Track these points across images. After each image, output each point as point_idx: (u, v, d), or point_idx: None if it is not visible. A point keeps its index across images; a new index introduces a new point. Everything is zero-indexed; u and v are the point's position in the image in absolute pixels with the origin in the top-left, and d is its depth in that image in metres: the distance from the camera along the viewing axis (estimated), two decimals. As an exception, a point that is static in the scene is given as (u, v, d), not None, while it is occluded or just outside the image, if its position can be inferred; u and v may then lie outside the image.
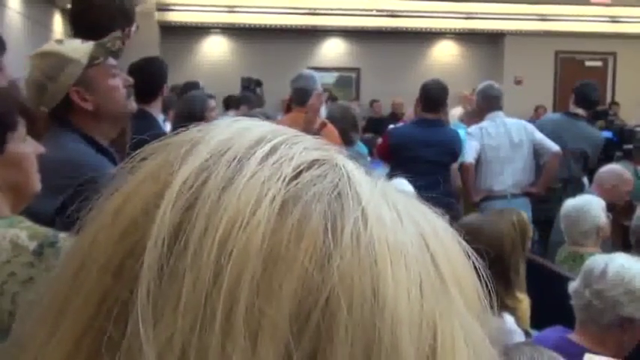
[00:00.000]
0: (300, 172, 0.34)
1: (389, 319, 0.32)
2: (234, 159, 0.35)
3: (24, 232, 1.29)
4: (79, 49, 1.87)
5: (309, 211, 0.33)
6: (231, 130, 0.37)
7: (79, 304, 0.34)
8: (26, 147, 1.41)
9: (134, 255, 0.33)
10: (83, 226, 0.38)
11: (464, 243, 0.38)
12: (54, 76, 1.84)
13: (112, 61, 1.93)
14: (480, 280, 0.38)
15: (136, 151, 0.39)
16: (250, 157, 0.35)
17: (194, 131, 0.38)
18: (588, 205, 3.35)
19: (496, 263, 2.22)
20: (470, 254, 0.38)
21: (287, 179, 0.34)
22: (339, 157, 0.37)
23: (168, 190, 0.34)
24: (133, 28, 2.36)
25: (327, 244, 0.32)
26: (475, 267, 0.38)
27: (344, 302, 0.31)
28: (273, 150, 0.35)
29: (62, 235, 1.29)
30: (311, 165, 0.35)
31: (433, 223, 0.37)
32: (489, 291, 0.38)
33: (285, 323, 0.31)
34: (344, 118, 4.16)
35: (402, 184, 3.60)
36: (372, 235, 0.33)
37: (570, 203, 3.40)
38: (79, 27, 2.30)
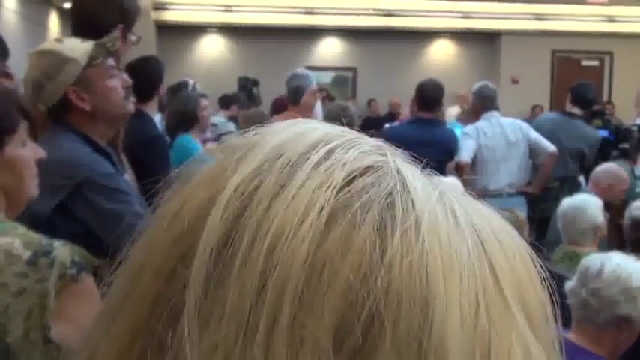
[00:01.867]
0: (353, 179, 0.34)
1: (437, 337, 0.31)
2: (287, 165, 0.34)
3: (18, 239, 1.25)
4: (79, 48, 1.87)
5: (357, 222, 0.32)
6: (287, 133, 0.37)
7: (134, 307, 0.35)
8: (25, 151, 1.38)
9: (185, 260, 0.34)
10: (143, 230, 0.38)
11: (532, 252, 0.36)
12: (52, 74, 1.83)
13: (111, 61, 1.93)
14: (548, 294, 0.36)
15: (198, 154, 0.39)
16: (304, 163, 0.34)
17: (250, 135, 0.38)
18: (586, 205, 3.35)
19: None
20: (536, 264, 0.36)
21: (337, 187, 0.33)
22: (397, 161, 0.36)
23: (220, 197, 0.34)
24: (134, 39, 2.35)
25: (375, 259, 0.31)
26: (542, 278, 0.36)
27: (388, 318, 0.30)
28: (327, 155, 0.34)
29: (57, 243, 1.26)
30: (365, 171, 0.34)
31: (495, 228, 0.35)
32: (554, 304, 0.36)
33: (326, 337, 0.30)
34: (341, 117, 4.16)
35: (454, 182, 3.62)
36: (423, 246, 0.32)
37: (568, 202, 3.40)
38: (79, 25, 2.29)
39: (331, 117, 3.91)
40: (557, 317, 0.36)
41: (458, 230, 0.33)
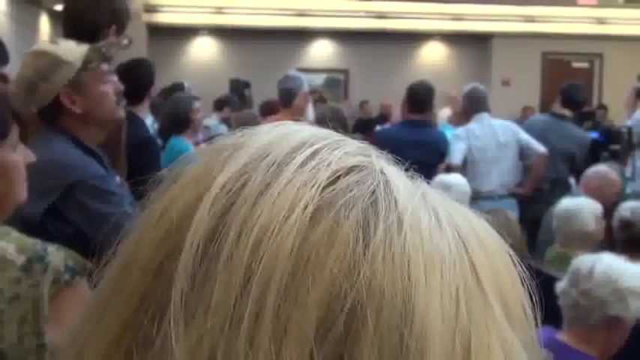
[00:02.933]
0: (338, 178, 0.35)
1: (418, 328, 0.31)
2: (273, 164, 0.35)
3: (12, 244, 1.24)
4: (74, 51, 1.86)
5: (341, 218, 0.33)
6: (273, 134, 0.38)
7: (122, 301, 0.36)
8: (16, 156, 1.35)
9: (173, 256, 0.34)
10: (132, 228, 0.38)
11: (511, 251, 0.37)
12: (46, 75, 1.83)
13: (105, 66, 1.92)
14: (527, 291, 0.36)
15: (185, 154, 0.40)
16: (289, 162, 0.35)
17: (237, 136, 0.39)
18: (580, 210, 3.36)
19: None
20: (516, 263, 0.37)
21: (322, 185, 0.34)
22: (381, 162, 0.37)
23: (206, 194, 0.35)
24: (125, 42, 2.35)
25: (358, 252, 0.32)
26: (521, 277, 0.37)
27: (370, 310, 0.31)
28: (312, 155, 0.35)
29: (51, 248, 1.25)
30: (349, 171, 0.35)
31: (477, 228, 0.36)
32: (534, 302, 0.37)
33: (310, 328, 0.31)
34: (334, 119, 4.18)
35: (458, 178, 3.63)
36: (405, 241, 0.33)
37: (564, 203, 3.41)
38: (71, 25, 2.29)
39: (323, 120, 3.92)
40: (536, 316, 0.37)
41: (439, 228, 0.34)
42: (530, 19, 12.05)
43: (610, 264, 2.02)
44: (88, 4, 2.27)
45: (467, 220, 0.36)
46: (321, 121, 4.00)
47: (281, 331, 0.31)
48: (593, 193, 4.15)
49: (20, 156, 1.37)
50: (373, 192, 0.34)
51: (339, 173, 0.35)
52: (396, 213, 0.33)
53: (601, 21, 12.17)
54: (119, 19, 2.30)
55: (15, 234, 1.28)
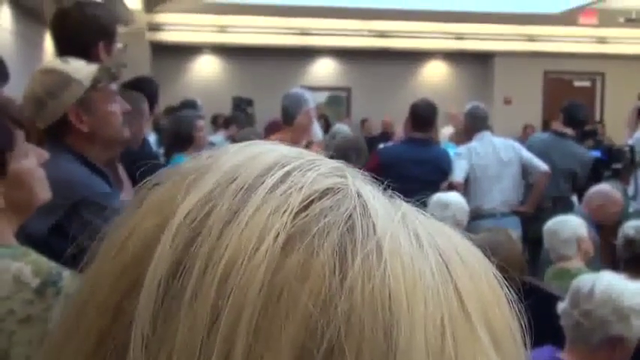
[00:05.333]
0: (311, 203, 0.32)
1: None
2: (241, 189, 0.32)
3: (29, 267, 1.24)
4: (83, 70, 1.88)
5: (315, 248, 0.30)
6: (242, 155, 0.35)
7: (77, 343, 0.33)
8: (29, 162, 1.35)
9: (132, 295, 0.32)
10: (92, 258, 0.36)
11: (496, 272, 0.35)
12: (55, 93, 1.84)
13: (114, 85, 1.94)
14: (514, 313, 0.35)
15: (145, 180, 0.37)
16: (258, 186, 0.32)
17: (203, 158, 0.36)
18: (567, 219, 3.46)
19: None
20: (502, 284, 0.35)
21: (294, 212, 0.31)
22: (357, 182, 0.34)
23: (168, 224, 0.32)
24: (119, 46, 2.36)
25: (335, 285, 0.30)
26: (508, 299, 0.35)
27: (350, 348, 0.29)
28: (284, 177, 0.33)
29: (66, 273, 1.25)
30: (323, 194, 0.32)
31: (460, 251, 0.34)
32: (523, 326, 0.35)
33: None
34: (350, 144, 4.26)
35: (456, 197, 3.62)
36: (385, 270, 0.30)
37: (549, 222, 3.49)
38: (59, 41, 2.31)
39: (344, 151, 3.96)
40: (525, 339, 0.35)
41: (421, 252, 0.32)
42: (531, 39, 12.11)
43: (610, 283, 2.01)
44: (73, 24, 2.29)
45: (449, 241, 0.34)
46: (342, 153, 4.04)
47: None
48: (595, 211, 4.16)
49: (33, 159, 1.37)
50: (350, 216, 0.32)
51: (313, 197, 0.32)
52: (375, 239, 0.31)
53: (602, 40, 12.22)
54: (106, 34, 2.31)
55: (34, 256, 1.28)
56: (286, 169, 0.33)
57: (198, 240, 0.31)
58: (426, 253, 0.32)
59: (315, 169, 0.34)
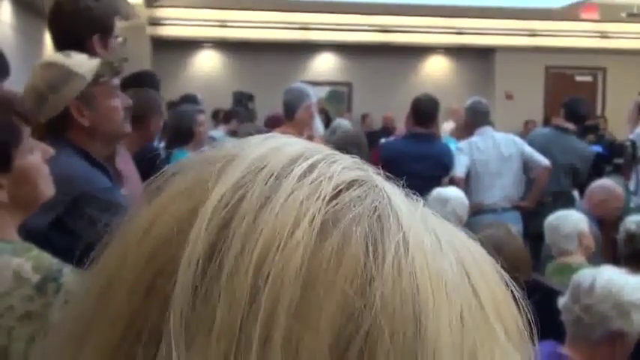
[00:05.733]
0: (340, 192, 0.33)
1: (430, 349, 0.31)
2: (271, 176, 0.33)
3: (29, 262, 1.24)
4: (85, 64, 1.87)
5: (349, 234, 0.32)
6: (266, 146, 0.36)
7: (106, 326, 0.33)
8: (34, 158, 1.35)
9: (165, 274, 0.32)
10: (107, 245, 0.36)
11: (502, 271, 0.37)
12: (57, 87, 1.83)
13: (116, 80, 1.94)
14: (519, 310, 0.37)
15: (161, 170, 0.37)
16: (288, 174, 0.33)
17: (228, 147, 0.37)
18: (569, 214, 3.45)
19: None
20: (508, 283, 0.37)
21: (326, 199, 0.32)
22: (378, 178, 0.36)
23: (202, 208, 0.32)
24: (119, 40, 2.35)
25: (369, 269, 0.31)
26: (514, 296, 0.37)
27: (386, 330, 0.30)
28: (311, 168, 0.34)
29: (67, 269, 1.25)
30: (350, 185, 0.34)
31: (472, 250, 0.36)
32: (529, 321, 0.37)
33: (324, 350, 0.29)
34: (351, 138, 4.27)
35: (456, 192, 3.63)
36: (413, 261, 0.32)
37: (550, 217, 3.49)
38: (55, 35, 2.31)
39: (343, 145, 3.96)
40: (532, 335, 0.37)
41: (440, 249, 0.33)
42: (533, 33, 12.08)
43: (611, 278, 2.01)
44: (67, 18, 2.28)
45: (461, 241, 0.36)
46: (342, 147, 4.04)
47: (293, 355, 0.29)
48: (596, 206, 4.15)
49: (38, 155, 1.37)
50: (377, 208, 0.33)
51: (341, 187, 0.33)
52: (402, 232, 0.32)
53: (604, 35, 12.20)
54: (101, 28, 2.30)
55: (35, 252, 1.28)
56: (311, 160, 0.34)
57: (233, 223, 0.32)
58: (445, 251, 0.34)
59: (338, 161, 0.35)
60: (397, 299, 0.31)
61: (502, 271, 0.37)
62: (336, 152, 0.37)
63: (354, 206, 0.33)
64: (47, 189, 1.39)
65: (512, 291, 0.36)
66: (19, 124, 1.32)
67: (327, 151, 0.36)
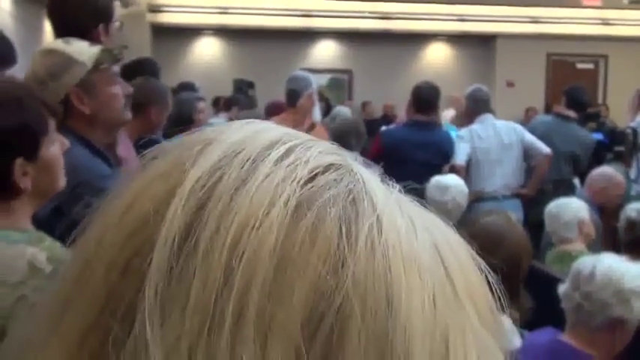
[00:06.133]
0: (316, 176, 0.34)
1: (402, 327, 0.31)
2: (248, 160, 0.34)
3: (44, 253, 1.24)
4: (86, 51, 1.86)
5: (323, 215, 0.32)
6: (244, 131, 0.37)
7: (84, 303, 0.34)
8: (55, 149, 1.37)
9: (142, 253, 0.33)
10: (88, 226, 0.37)
11: (476, 256, 0.37)
12: (57, 75, 1.83)
13: (116, 68, 1.93)
14: (493, 294, 0.37)
15: (145, 151, 0.38)
16: (264, 158, 0.34)
17: (207, 132, 0.38)
18: (569, 201, 3.45)
19: (509, 274, 2.23)
20: (482, 267, 0.37)
21: (302, 182, 0.33)
22: (355, 163, 0.36)
23: (179, 189, 0.33)
24: (116, 25, 2.35)
25: (342, 249, 0.32)
26: (487, 280, 0.37)
27: (357, 308, 0.31)
28: (288, 152, 0.35)
29: None
30: (327, 169, 0.35)
31: (446, 234, 0.36)
32: (502, 305, 0.37)
33: (296, 328, 0.30)
34: (350, 126, 4.26)
35: (456, 180, 3.64)
36: (386, 242, 0.33)
37: (551, 204, 3.49)
38: (57, 26, 2.29)
39: (342, 135, 3.96)
40: (503, 319, 0.37)
41: (414, 232, 0.34)
42: (534, 20, 12.04)
43: (611, 265, 2.01)
44: (71, 9, 2.26)
45: (436, 226, 0.36)
46: (339, 136, 4.03)
47: (265, 332, 0.30)
48: (597, 194, 4.15)
49: (57, 146, 1.39)
50: (351, 191, 0.34)
51: (317, 171, 0.34)
52: (376, 213, 0.33)
53: (606, 22, 12.15)
54: (105, 17, 2.29)
55: (48, 242, 1.29)
56: (288, 145, 0.35)
57: (209, 204, 0.32)
58: (419, 234, 0.34)
59: (315, 146, 0.36)
60: (369, 279, 0.31)
61: (477, 257, 0.37)
62: (313, 138, 0.37)
63: (329, 189, 0.33)
64: (63, 181, 1.42)
65: (486, 276, 0.37)
66: (46, 114, 1.34)
67: (305, 137, 0.37)
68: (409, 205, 0.36)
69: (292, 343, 0.30)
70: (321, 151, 0.36)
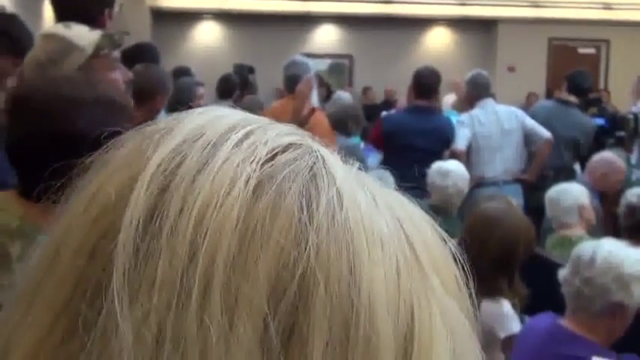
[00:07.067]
0: (275, 155, 0.35)
1: (366, 295, 0.32)
2: (208, 144, 0.35)
3: None
4: (86, 37, 1.86)
5: (284, 190, 0.33)
6: (205, 117, 0.38)
7: (53, 287, 0.35)
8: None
9: (108, 236, 0.34)
10: (57, 218, 0.38)
11: (440, 230, 0.38)
12: (57, 60, 1.82)
13: (116, 53, 1.92)
14: (458, 266, 0.38)
15: (109, 142, 0.39)
16: (224, 141, 0.35)
17: (167, 120, 0.39)
18: (570, 187, 3.44)
19: (507, 257, 2.24)
20: (446, 240, 0.38)
21: (261, 161, 0.34)
22: (314, 142, 0.37)
23: (142, 174, 0.34)
24: (116, 9, 2.33)
25: (303, 222, 0.33)
26: (456, 257, 0.38)
27: (320, 277, 0.32)
28: (247, 135, 0.36)
29: None
30: (286, 148, 0.36)
31: (409, 209, 0.37)
32: (467, 277, 0.38)
33: (261, 298, 0.31)
34: (348, 111, 4.24)
35: (457, 165, 3.65)
36: (347, 215, 0.33)
37: (552, 189, 3.49)
38: (61, 14, 2.28)
39: (341, 118, 3.94)
40: (471, 290, 0.38)
41: (375, 206, 0.35)
42: (536, 5, 11.98)
43: (611, 250, 2.02)
44: None
45: (397, 200, 0.38)
46: (338, 121, 4.00)
47: (232, 304, 0.31)
48: (598, 180, 4.15)
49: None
50: (312, 167, 0.35)
51: (277, 150, 0.35)
52: (335, 187, 0.34)
53: (607, 6, 12.09)
54: (110, 1, 2.28)
55: None
56: (248, 128, 0.36)
57: (171, 186, 0.34)
58: (380, 207, 0.35)
59: (274, 129, 0.37)
60: (332, 248, 0.32)
61: (440, 230, 0.38)
62: (273, 122, 0.38)
63: (289, 166, 0.35)
64: None
65: (450, 249, 0.38)
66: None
67: (264, 120, 0.38)
68: (369, 180, 0.37)
69: (259, 313, 0.31)
70: (279, 132, 0.37)
